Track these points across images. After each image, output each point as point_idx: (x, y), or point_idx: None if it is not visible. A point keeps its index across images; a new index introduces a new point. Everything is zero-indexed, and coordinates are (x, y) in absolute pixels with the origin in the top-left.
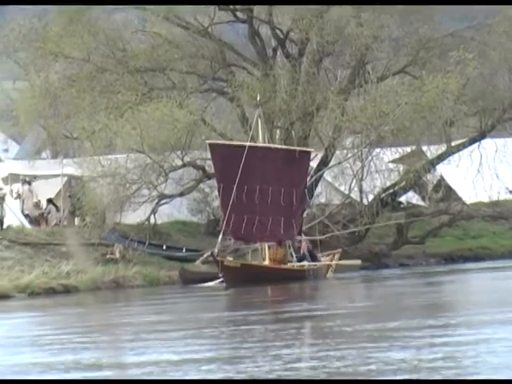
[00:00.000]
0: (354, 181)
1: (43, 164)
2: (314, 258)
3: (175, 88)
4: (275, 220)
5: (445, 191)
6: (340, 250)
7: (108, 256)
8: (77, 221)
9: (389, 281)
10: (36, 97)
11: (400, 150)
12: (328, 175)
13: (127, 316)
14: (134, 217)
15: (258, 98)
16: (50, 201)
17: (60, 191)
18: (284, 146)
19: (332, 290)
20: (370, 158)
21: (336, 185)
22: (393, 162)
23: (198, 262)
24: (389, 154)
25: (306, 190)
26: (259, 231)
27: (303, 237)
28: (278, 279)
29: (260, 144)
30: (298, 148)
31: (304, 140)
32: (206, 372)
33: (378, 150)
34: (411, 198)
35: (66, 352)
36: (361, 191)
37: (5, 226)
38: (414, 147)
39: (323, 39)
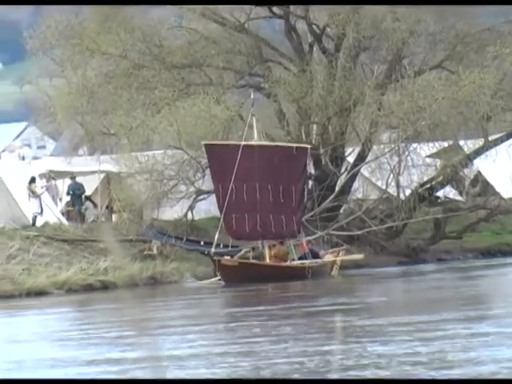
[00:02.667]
0: (391, 176)
1: (80, 161)
2: (315, 256)
3: (212, 84)
4: (276, 218)
5: (482, 186)
6: (345, 247)
7: (146, 252)
8: (114, 217)
9: (403, 277)
10: (73, 93)
11: (437, 144)
12: (365, 170)
13: (157, 311)
14: (171, 213)
15: (252, 96)
16: (87, 197)
17: (97, 188)
18: (280, 143)
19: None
20: (407, 152)
21: (373, 180)
22: (430, 156)
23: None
24: (426, 149)
25: (305, 187)
26: (262, 229)
27: (303, 234)
28: (277, 277)
29: (255, 142)
30: (294, 145)
31: (341, 135)
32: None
33: (415, 144)
34: (448, 192)
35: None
36: (398, 186)
37: (42, 223)
38: (451, 142)
39: (359, 34)
